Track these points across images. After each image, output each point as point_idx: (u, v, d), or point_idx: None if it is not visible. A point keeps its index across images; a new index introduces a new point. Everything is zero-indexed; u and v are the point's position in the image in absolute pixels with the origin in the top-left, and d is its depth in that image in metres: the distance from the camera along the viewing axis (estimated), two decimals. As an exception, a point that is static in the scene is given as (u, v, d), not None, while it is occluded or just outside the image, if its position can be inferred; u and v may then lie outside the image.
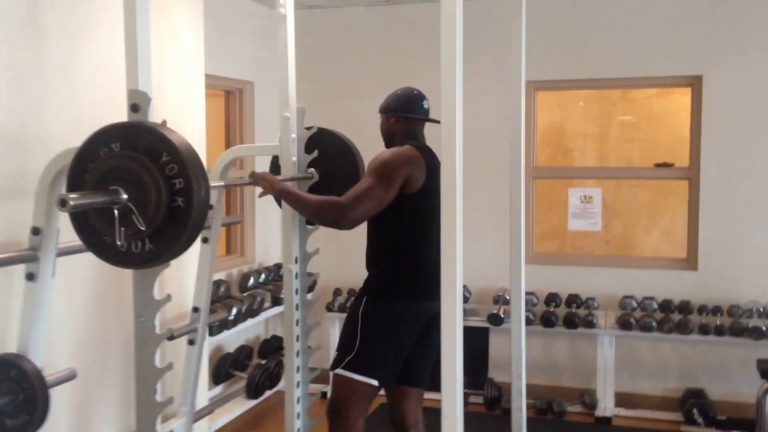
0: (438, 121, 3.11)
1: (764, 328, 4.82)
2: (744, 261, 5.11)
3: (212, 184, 3.09)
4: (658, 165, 5.51)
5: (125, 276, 2.55)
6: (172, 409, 3.78)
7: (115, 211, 2.17)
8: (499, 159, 5.14)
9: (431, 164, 3.12)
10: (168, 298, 2.58)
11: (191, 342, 3.71)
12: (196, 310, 3.70)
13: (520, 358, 3.34)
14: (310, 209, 3.08)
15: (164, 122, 2.32)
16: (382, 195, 3.02)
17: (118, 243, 2.18)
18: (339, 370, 3.15)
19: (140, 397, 2.58)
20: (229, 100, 5.41)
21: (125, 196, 2.20)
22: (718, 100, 5.12)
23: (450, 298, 2.06)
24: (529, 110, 5.43)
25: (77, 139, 2.32)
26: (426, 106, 3.34)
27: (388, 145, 3.31)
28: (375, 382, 3.12)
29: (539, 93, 5.63)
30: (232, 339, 5.09)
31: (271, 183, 3.09)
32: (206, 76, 4.49)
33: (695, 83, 5.21)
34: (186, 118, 3.89)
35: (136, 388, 2.59)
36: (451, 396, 2.06)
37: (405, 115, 3.30)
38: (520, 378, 3.34)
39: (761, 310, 4.94)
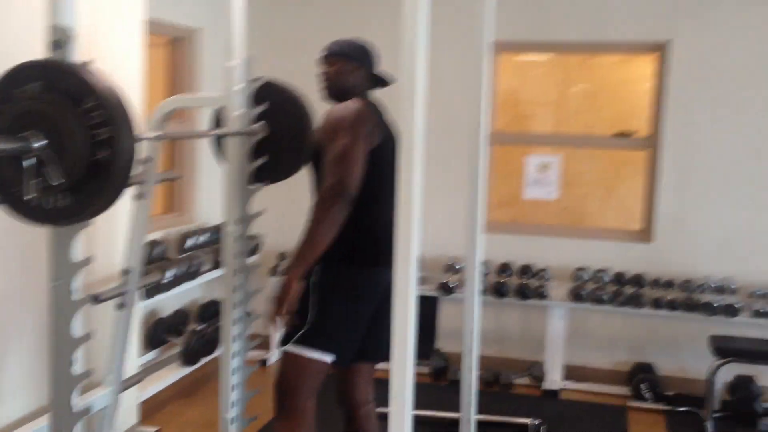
0: (394, 80, 2.91)
1: (717, 304, 4.74)
2: (701, 235, 5.02)
3: (148, 135, 2.82)
4: (616, 134, 5.36)
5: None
6: (97, 377, 3.54)
7: (24, 162, 1.90)
8: (455, 123, 4.94)
9: (383, 123, 2.92)
10: (87, 260, 2.31)
11: (120, 306, 3.46)
12: (126, 272, 3.44)
13: (472, 331, 3.15)
14: (319, 229, 2.72)
15: (87, 63, 2.05)
16: (362, 152, 2.76)
17: (27, 197, 1.92)
18: (290, 347, 2.88)
19: (55, 369, 2.33)
20: (175, 49, 5.06)
21: (38, 145, 1.93)
22: (684, 67, 4.97)
23: (404, 268, 1.85)
24: (490, 72, 5.20)
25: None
26: (379, 67, 3.10)
27: (335, 97, 3.01)
28: (330, 359, 2.87)
29: (500, 55, 5.40)
30: (168, 303, 4.81)
31: (288, 286, 2.78)
32: (149, 21, 4.17)
33: (662, 49, 5.05)
34: (122, 65, 3.56)
35: (50, 358, 2.34)
36: (401, 377, 1.86)
37: (366, 68, 3.03)
38: (471, 353, 3.16)
39: (715, 285, 4.86)
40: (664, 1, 4.98)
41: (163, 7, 4.53)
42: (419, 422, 4.23)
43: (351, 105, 2.86)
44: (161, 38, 4.99)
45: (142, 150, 3.32)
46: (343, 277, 2.87)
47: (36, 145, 1.93)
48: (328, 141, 2.80)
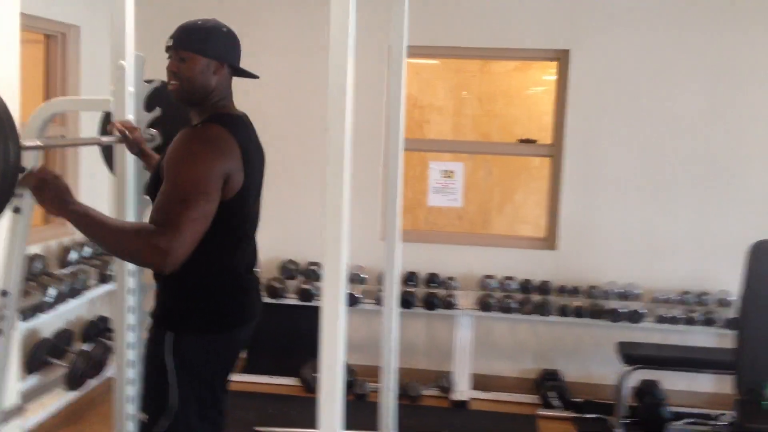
0: (255, 76, 2.41)
1: (622, 310, 4.75)
2: (604, 242, 5.03)
3: (26, 143, 2.51)
4: (521, 141, 5.32)
5: None
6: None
7: None
8: (363, 130, 4.76)
9: (246, 148, 2.26)
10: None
11: (-3, 332, 3.10)
12: (4, 294, 3.09)
13: (391, 348, 2.99)
14: (114, 242, 2.06)
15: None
16: (210, 212, 2.11)
17: None
18: None
19: None
20: (50, 46, 4.66)
21: None
22: (583, 75, 4.97)
23: (334, 281, 1.69)
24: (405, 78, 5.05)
25: None
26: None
27: (189, 103, 2.32)
28: None
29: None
30: (49, 322, 4.42)
31: (55, 195, 2.05)
32: (22, 15, 3.79)
33: (561, 57, 5.04)
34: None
35: None
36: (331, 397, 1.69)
37: (231, 65, 2.33)
38: (390, 369, 3.00)
39: (619, 291, 4.88)
40: (564, 11, 4.97)
41: (37, 0, 4.16)
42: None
43: (205, 136, 2.20)
44: (34, 35, 4.59)
45: (23, 160, 3.00)
46: (199, 348, 2.30)
47: None
48: (169, 177, 2.14)
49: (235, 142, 2.21)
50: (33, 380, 4.25)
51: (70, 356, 4.38)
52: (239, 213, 2.29)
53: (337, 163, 1.59)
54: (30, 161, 2.96)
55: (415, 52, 5.23)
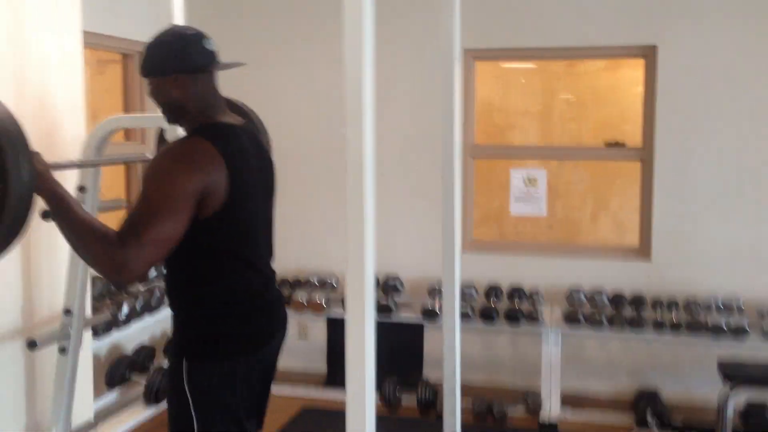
0: (238, 64, 2.27)
1: (724, 326, 4.39)
2: (701, 251, 4.68)
3: (74, 161, 2.48)
4: (609, 144, 5.04)
5: None
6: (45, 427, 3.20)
7: None
8: (433, 136, 4.63)
9: (234, 158, 2.14)
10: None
11: (62, 350, 3.11)
12: (68, 312, 3.10)
13: (454, 356, 2.82)
14: (77, 240, 1.98)
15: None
16: (176, 231, 2.01)
17: None
18: None
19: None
20: (127, 65, 4.72)
21: None
22: (673, 72, 4.66)
23: (359, 294, 1.58)
24: (468, 82, 4.90)
25: None
26: (210, 47, 2.22)
27: (175, 120, 2.27)
28: None
29: (478, 64, 5.07)
30: (130, 338, 4.46)
31: (44, 169, 1.96)
32: (93, 35, 3.84)
33: (649, 54, 4.74)
34: (56, 83, 3.21)
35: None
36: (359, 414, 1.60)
37: (189, 72, 2.18)
38: (453, 377, 2.83)
39: (720, 305, 4.52)
40: (650, 4, 4.68)
41: (109, 20, 4.23)
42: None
43: (178, 151, 2.12)
44: (112, 54, 4.67)
45: (80, 179, 3.01)
46: (219, 375, 2.21)
47: None
48: (141, 191, 2.05)
49: (216, 153, 2.08)
50: (113, 396, 4.30)
51: (150, 372, 4.40)
52: (228, 229, 2.16)
53: (356, 171, 1.45)
54: (88, 180, 2.97)
55: (491, 54, 5.08)
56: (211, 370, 2.19)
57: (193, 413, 2.18)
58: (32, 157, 1.85)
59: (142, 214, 1.98)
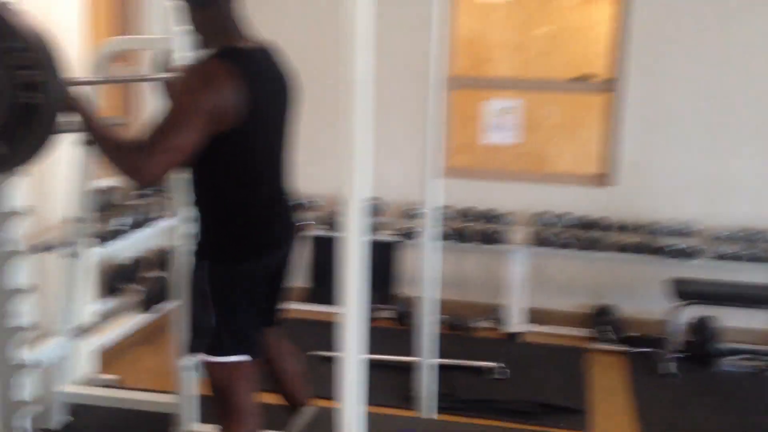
0: None
1: (677, 247, 4.75)
2: (663, 179, 5.00)
3: (81, 78, 2.70)
4: (576, 78, 5.30)
5: None
6: (54, 328, 3.49)
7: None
8: (413, 68, 4.84)
9: (252, 79, 2.38)
10: (16, 212, 2.23)
11: (72, 255, 3.40)
12: (79, 220, 3.37)
13: (432, 276, 3.12)
14: (108, 155, 2.28)
15: (6, 3, 1.94)
16: (189, 142, 2.26)
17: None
18: (204, 357, 2.62)
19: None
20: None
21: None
22: (646, 7, 4.87)
23: (352, 213, 1.78)
24: (452, 17, 5.09)
25: None
26: None
27: (202, 44, 2.52)
28: (245, 358, 2.62)
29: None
30: (126, 250, 4.72)
31: (86, 107, 2.23)
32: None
33: (621, -10, 4.97)
34: (57, 4, 3.41)
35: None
36: (352, 325, 1.82)
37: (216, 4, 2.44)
38: (431, 299, 3.14)
39: (678, 228, 4.87)
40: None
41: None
42: (383, 366, 4.29)
43: (195, 71, 2.38)
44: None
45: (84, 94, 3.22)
46: (234, 275, 2.56)
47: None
48: (166, 106, 2.37)
49: (233, 74, 2.31)
50: (109, 303, 4.59)
51: (146, 282, 4.69)
52: (244, 144, 2.41)
53: (350, 101, 1.68)
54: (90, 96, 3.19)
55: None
56: (222, 270, 2.53)
57: (208, 306, 2.52)
58: (63, 75, 2.09)
59: (160, 125, 2.26)
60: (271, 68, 2.55)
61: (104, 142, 2.26)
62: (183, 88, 2.33)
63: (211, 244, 2.56)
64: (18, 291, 2.30)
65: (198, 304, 2.57)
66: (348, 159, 1.78)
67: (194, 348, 2.63)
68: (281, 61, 2.61)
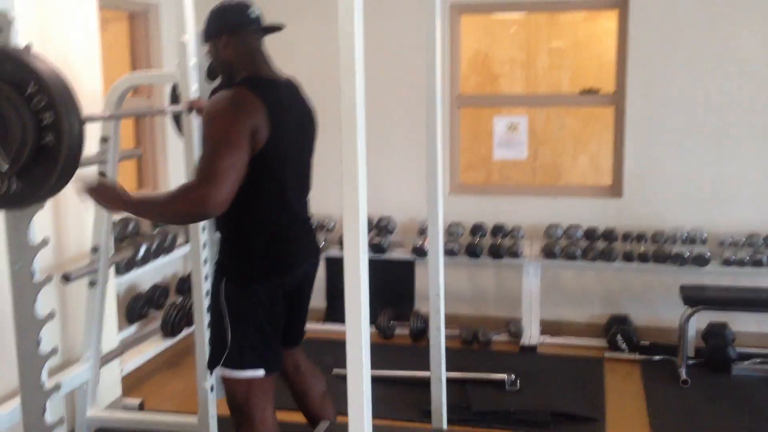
0: (278, 28, 2.69)
1: (687, 255, 4.80)
2: (669, 188, 5.07)
3: (97, 115, 2.82)
4: (583, 92, 5.39)
5: None
6: (76, 354, 3.60)
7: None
8: (422, 88, 4.94)
9: (273, 106, 2.51)
10: (44, 242, 2.34)
11: (92, 284, 3.51)
12: (95, 249, 3.49)
13: (438, 293, 3.20)
14: (163, 210, 2.43)
15: (28, 47, 2.06)
16: (240, 160, 2.37)
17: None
18: (221, 371, 2.72)
19: (21, 349, 2.38)
20: (134, 24, 5.03)
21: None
22: (644, 22, 4.97)
23: (354, 230, 1.83)
24: (454, 35, 5.21)
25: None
26: (254, 15, 2.65)
27: (228, 80, 2.70)
28: (262, 373, 2.70)
29: (465, 17, 5.38)
30: (146, 277, 4.87)
31: (110, 195, 2.40)
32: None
33: (621, 5, 5.06)
34: (77, 44, 3.55)
35: (16, 339, 2.38)
36: (357, 343, 1.90)
37: (235, 32, 2.61)
38: (438, 313, 3.21)
39: (685, 236, 4.93)
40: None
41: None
42: (402, 382, 4.36)
43: (225, 99, 2.49)
44: (119, 13, 4.96)
45: (102, 130, 3.36)
46: (250, 294, 2.65)
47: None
48: (203, 136, 2.50)
49: (258, 99, 2.46)
50: (132, 329, 4.71)
51: (166, 308, 4.81)
52: (269, 167, 2.52)
53: (350, 121, 1.74)
54: (107, 131, 3.32)
55: (478, 8, 5.38)
56: (239, 290, 2.64)
57: (228, 324, 2.64)
58: (81, 116, 2.20)
59: (208, 153, 2.38)
60: (293, 98, 2.71)
61: (147, 207, 2.46)
62: (218, 114, 2.43)
63: (229, 264, 2.69)
64: (43, 319, 2.40)
65: (216, 320, 2.70)
66: (348, 179, 1.84)
67: (212, 363, 2.75)
68: (302, 92, 2.78)
